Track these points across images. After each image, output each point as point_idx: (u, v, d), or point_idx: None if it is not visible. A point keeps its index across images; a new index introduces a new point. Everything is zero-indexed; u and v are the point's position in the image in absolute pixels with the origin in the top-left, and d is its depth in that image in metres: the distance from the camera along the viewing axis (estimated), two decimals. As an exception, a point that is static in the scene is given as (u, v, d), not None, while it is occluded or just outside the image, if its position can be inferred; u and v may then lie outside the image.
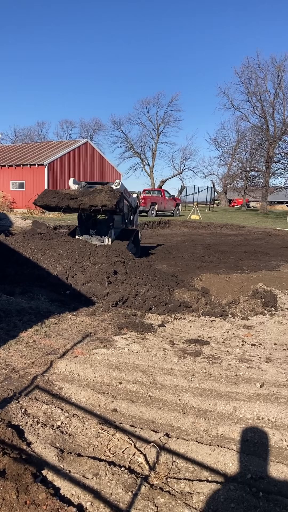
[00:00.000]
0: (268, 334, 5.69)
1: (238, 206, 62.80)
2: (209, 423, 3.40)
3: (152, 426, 3.39)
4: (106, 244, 9.61)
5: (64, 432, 3.24)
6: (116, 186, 9.63)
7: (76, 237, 10.28)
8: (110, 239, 10.07)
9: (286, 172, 46.63)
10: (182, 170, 64.67)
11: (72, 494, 2.56)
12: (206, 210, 44.48)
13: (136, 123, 73.41)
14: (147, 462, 2.89)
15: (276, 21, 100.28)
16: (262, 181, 49.72)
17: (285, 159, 45.90)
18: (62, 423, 3.34)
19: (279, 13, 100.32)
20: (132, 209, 12.16)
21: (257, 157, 52.42)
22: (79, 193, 9.25)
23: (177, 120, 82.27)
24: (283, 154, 45.98)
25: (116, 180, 10.02)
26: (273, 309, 6.83)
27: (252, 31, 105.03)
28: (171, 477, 2.77)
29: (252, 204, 69.07)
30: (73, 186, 10.20)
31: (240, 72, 46.80)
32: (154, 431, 3.26)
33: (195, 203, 37.03)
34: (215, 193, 62.78)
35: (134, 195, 12.37)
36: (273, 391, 3.93)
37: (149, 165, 65.40)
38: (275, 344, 5.31)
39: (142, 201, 28.70)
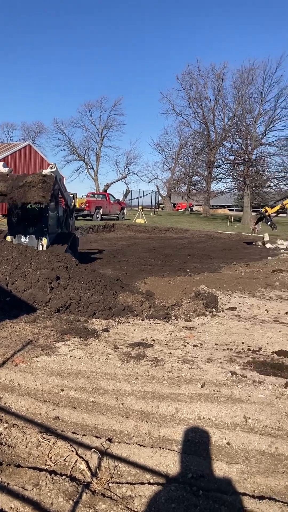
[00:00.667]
0: (209, 334, 5.83)
1: (182, 210, 63.95)
2: (152, 425, 3.42)
3: (94, 431, 3.37)
4: (40, 249, 9.08)
5: (3, 443, 3.15)
6: (51, 169, 8.70)
7: (7, 238, 9.69)
8: (44, 245, 9.53)
9: (227, 177, 48.06)
10: (127, 174, 65.02)
11: (11, 507, 2.48)
12: (151, 214, 44.90)
13: (79, 126, 72.79)
14: (89, 469, 2.86)
15: (216, 29, 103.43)
16: (204, 185, 51.01)
17: (226, 164, 47.30)
18: (1, 434, 3.24)
19: (218, 22, 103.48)
20: (68, 211, 11.64)
21: (199, 162, 53.65)
22: (8, 188, 8.45)
23: (121, 124, 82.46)
24: (223, 160, 47.37)
25: (52, 163, 9.09)
26: (214, 310, 7.01)
27: (194, 38, 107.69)
28: (113, 482, 2.76)
29: (195, 208, 70.54)
30: (2, 169, 9.26)
31: (182, 79, 47.86)
32: (96, 436, 3.24)
33: (140, 207, 37.33)
34: (160, 197, 63.61)
35: (71, 195, 11.92)
36: (214, 391, 4.03)
37: (93, 169, 65.18)
38: (216, 344, 5.44)
39: (87, 204, 28.50)
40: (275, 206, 22.75)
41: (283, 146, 44.77)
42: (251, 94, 43.15)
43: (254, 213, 24.94)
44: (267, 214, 22.18)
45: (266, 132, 43.04)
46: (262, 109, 42.89)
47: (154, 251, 16.45)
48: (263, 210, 23.00)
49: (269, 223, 22.92)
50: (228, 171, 47.28)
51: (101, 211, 30.49)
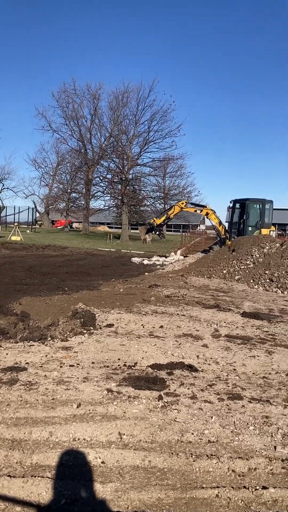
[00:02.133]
0: (86, 353, 5.80)
1: (61, 227, 63.37)
2: (23, 453, 3.27)
3: None
4: None
5: None
6: None
7: None
8: None
9: (105, 195, 48.98)
10: (1, 189, 62.55)
11: None
12: (28, 231, 43.68)
13: None
14: None
15: (92, 49, 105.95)
16: (83, 202, 51.26)
17: (104, 182, 48.22)
18: None
19: (94, 43, 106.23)
20: None
21: (77, 180, 53.92)
22: None
23: (-6, 138, 79.20)
24: (101, 178, 48.25)
25: None
26: (92, 328, 7.01)
27: (69, 56, 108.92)
28: (-21, 522, 2.57)
29: (75, 225, 70.51)
30: None
31: (58, 96, 47.82)
32: None
33: (16, 224, 36.12)
34: (37, 214, 62.27)
35: None
36: (89, 410, 4.00)
37: None
38: (93, 362, 5.44)
39: None
40: (162, 216, 24.52)
41: (157, 167, 47.20)
42: (126, 116, 44.85)
43: (143, 225, 26.62)
44: (155, 224, 23.97)
45: (141, 153, 44.94)
46: (136, 131, 44.79)
47: (31, 269, 15.98)
48: (151, 221, 25.02)
49: (157, 233, 24.99)
50: (106, 189, 48.27)
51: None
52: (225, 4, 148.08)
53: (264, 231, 21.22)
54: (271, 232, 21.53)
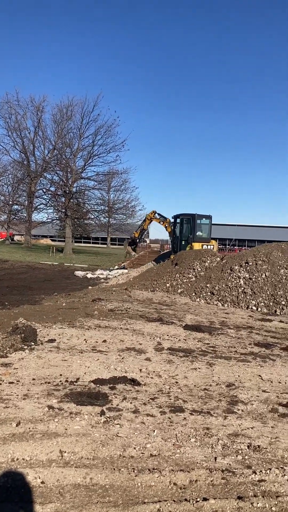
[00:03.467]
0: (26, 369, 5.64)
1: (2, 239, 61.58)
2: None
3: None
4: None
5: None
6: None
7: None
8: None
9: (48, 208, 48.31)
10: None
11: None
12: None
13: None
14: None
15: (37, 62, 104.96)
16: (25, 215, 50.24)
17: (47, 195, 47.60)
18: None
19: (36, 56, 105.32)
20: None
21: (19, 192, 52.83)
22: None
23: None
24: (44, 190, 47.60)
25: None
26: (33, 343, 6.84)
27: (14, 68, 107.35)
28: None
29: (16, 237, 68.82)
30: None
31: (0, 107, 46.83)
32: None
33: None
34: (-23, 226, 60.19)
35: None
36: (29, 428, 3.89)
37: None
38: (34, 379, 5.29)
39: None
40: (138, 229, 27.16)
41: (101, 181, 47.32)
42: (71, 129, 44.72)
43: (127, 239, 30.39)
44: (135, 237, 25.91)
45: (85, 167, 44.87)
46: (81, 144, 44.74)
47: None
48: (132, 235, 27.87)
49: (133, 246, 27.33)
50: (50, 202, 47.66)
51: None
52: (171, 18, 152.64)
53: (196, 245, 22.08)
54: (210, 246, 22.27)
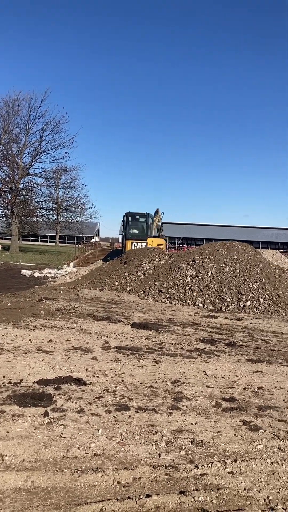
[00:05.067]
0: None
1: None
2: None
3: None
4: None
5: None
6: None
7: None
8: None
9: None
10: None
11: None
12: None
13: None
14: None
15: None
16: None
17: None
18: None
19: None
20: None
21: None
22: None
23: None
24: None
25: None
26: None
27: None
28: None
29: None
30: None
31: None
32: None
33: None
34: None
35: None
36: None
37: None
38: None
39: None
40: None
41: (49, 178, 46.46)
42: (17, 124, 43.48)
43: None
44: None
45: (32, 163, 43.86)
46: (28, 140, 43.65)
47: None
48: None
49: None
50: (-5, 199, 46.14)
51: None
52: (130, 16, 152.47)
53: (128, 243, 23.22)
54: (142, 244, 22.82)
